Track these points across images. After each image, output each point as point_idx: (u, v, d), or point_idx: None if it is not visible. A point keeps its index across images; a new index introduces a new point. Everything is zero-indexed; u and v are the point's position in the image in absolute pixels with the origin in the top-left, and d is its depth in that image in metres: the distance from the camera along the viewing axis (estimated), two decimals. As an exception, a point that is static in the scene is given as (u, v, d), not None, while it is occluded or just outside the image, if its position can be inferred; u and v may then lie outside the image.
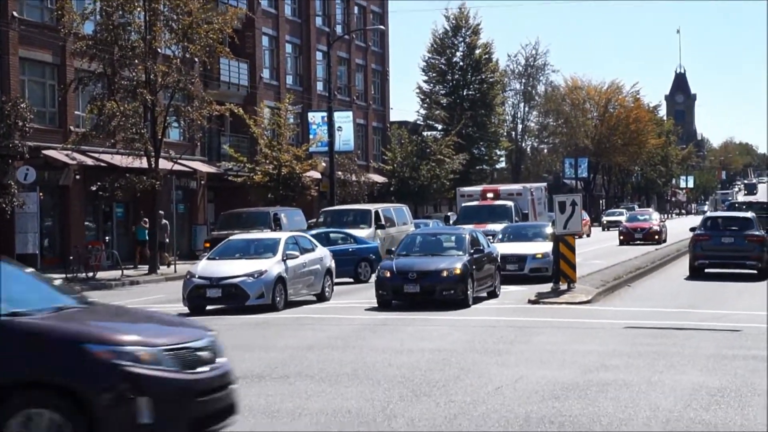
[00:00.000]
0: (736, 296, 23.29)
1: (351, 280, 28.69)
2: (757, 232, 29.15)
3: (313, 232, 29.37)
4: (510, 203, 38.66)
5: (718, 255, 28.90)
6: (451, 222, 40.31)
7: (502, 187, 44.78)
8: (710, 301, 22.07)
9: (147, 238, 36.98)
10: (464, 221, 35.86)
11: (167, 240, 37.00)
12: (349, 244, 29.68)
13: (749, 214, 31.88)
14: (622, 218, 63.06)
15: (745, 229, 29.17)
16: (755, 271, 28.50)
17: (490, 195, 40.93)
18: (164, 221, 36.41)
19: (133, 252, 38.49)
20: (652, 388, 11.46)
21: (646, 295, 23.81)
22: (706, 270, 28.93)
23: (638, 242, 47.24)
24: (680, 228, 63.56)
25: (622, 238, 48.95)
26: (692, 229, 30.70)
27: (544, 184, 49.79)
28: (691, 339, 15.81)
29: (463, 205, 40.28)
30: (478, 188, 44.53)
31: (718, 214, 35.88)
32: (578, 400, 10.71)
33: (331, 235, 30.19)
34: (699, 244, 29.30)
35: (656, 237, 48.58)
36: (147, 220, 37.61)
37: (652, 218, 53.24)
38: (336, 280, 25.13)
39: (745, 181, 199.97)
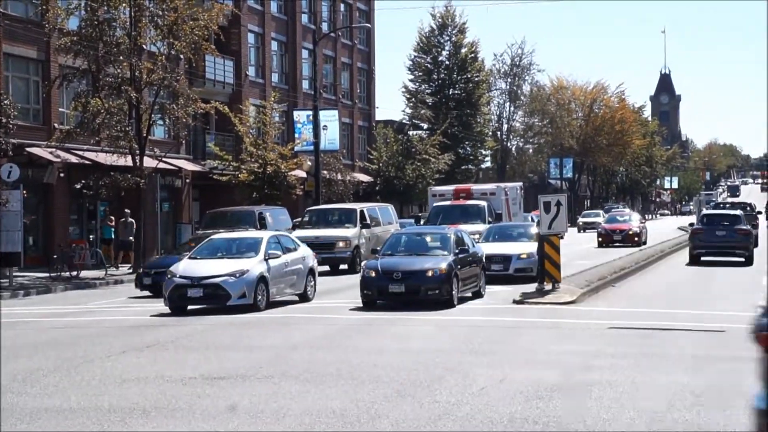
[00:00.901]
0: (721, 297, 23.35)
1: None
2: (744, 227, 34.72)
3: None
4: (483, 203, 37.77)
5: (713, 245, 34.38)
6: (421, 222, 39.49)
7: (475, 187, 43.85)
8: (695, 302, 22.12)
9: (112, 236, 37.38)
10: (435, 221, 35.39)
11: (132, 239, 36.29)
12: None
13: (738, 212, 37.49)
14: (599, 219, 60.96)
15: (735, 224, 34.76)
16: (743, 259, 33.75)
17: (462, 194, 40.17)
18: (130, 219, 35.99)
19: (107, 251, 38.02)
20: (636, 388, 11.47)
21: (631, 296, 23.86)
22: (702, 258, 34.39)
23: (617, 244, 45.26)
24: (664, 229, 63.72)
25: (600, 240, 47.03)
26: (691, 225, 36.62)
27: (520, 183, 48.44)
28: (675, 340, 15.86)
29: (435, 204, 39.17)
30: (450, 188, 43.34)
31: (713, 212, 40.65)
32: (562, 401, 10.72)
33: None
34: (697, 236, 34.65)
35: (636, 239, 46.18)
36: (113, 218, 37.44)
37: (632, 219, 50.51)
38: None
39: (728, 183, 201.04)
